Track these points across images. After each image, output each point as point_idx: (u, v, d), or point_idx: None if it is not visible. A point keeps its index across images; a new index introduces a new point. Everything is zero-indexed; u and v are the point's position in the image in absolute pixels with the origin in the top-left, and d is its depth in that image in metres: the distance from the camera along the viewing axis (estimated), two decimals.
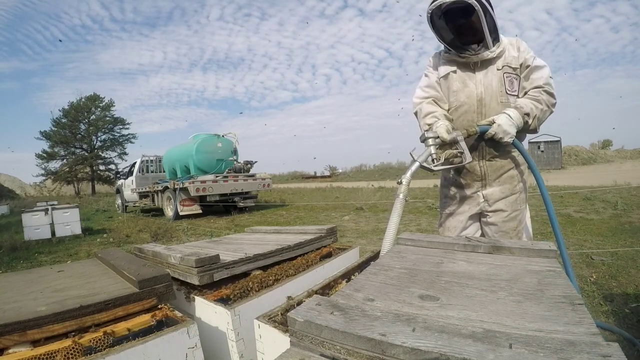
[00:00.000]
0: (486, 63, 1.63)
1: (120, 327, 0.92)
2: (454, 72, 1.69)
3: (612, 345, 0.49)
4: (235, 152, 10.72)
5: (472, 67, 1.66)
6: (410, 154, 1.51)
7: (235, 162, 10.33)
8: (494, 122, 1.54)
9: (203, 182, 9.03)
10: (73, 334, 0.87)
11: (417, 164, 1.46)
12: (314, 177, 38.71)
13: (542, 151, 30.53)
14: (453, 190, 1.82)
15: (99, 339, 0.86)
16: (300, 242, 1.64)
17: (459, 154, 1.55)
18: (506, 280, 0.83)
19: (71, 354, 0.81)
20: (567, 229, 5.10)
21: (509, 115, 1.54)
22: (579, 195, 8.33)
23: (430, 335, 0.54)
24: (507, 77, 1.62)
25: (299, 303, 0.88)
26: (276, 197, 14.24)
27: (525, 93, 1.63)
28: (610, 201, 7.29)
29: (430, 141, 1.52)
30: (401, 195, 1.35)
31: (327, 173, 41.25)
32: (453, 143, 1.55)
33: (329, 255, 1.68)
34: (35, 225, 6.63)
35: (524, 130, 1.62)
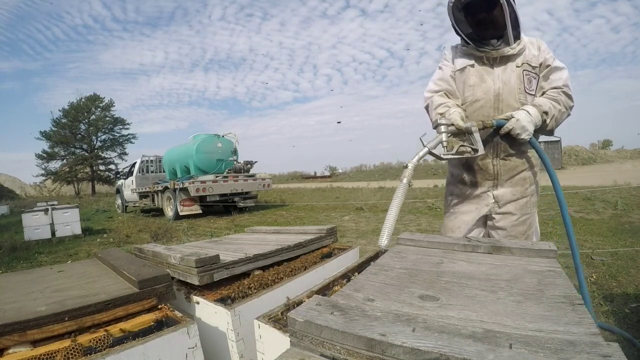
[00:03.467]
0: (505, 59, 1.59)
1: (120, 327, 0.92)
2: (472, 66, 1.65)
3: (612, 345, 0.49)
4: (235, 152, 10.73)
5: (491, 62, 1.62)
6: (420, 139, 1.43)
7: (235, 162, 10.34)
8: (512, 117, 1.50)
9: (203, 182, 9.03)
10: (73, 334, 0.87)
11: (425, 149, 1.37)
12: (314, 177, 38.71)
13: None
14: (461, 187, 1.76)
15: (99, 339, 0.86)
16: (300, 242, 1.63)
17: (471, 147, 1.47)
18: (506, 280, 0.83)
19: (71, 354, 0.80)
20: None
21: (528, 112, 1.49)
22: (579, 195, 8.33)
23: (430, 335, 0.54)
24: (525, 75, 1.58)
25: (299, 303, 0.88)
26: (276, 197, 14.23)
27: (543, 93, 1.60)
28: (610, 201, 7.29)
29: (443, 128, 1.43)
30: (405, 180, 1.26)
31: (327, 173, 41.26)
32: (466, 133, 1.48)
33: (329, 256, 1.68)
34: (35, 225, 6.64)
35: (540, 130, 1.58)
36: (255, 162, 10.74)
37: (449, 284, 0.83)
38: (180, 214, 9.15)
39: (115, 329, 0.91)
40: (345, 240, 5.09)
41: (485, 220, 1.75)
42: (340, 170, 41.33)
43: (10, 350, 0.80)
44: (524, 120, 1.47)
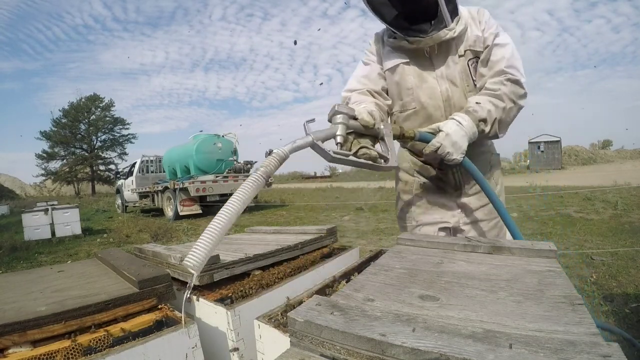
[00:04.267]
0: (445, 48, 1.26)
1: (120, 328, 0.92)
2: (406, 63, 1.30)
3: (612, 345, 0.49)
4: (235, 152, 10.75)
5: (428, 54, 1.27)
6: (304, 124, 0.99)
7: (235, 162, 10.36)
8: (440, 130, 1.14)
9: (203, 182, 9.07)
10: (73, 334, 0.87)
11: (309, 139, 0.92)
12: (314, 178, 38.73)
13: (542, 151, 30.51)
14: (421, 195, 1.48)
15: (99, 339, 0.86)
16: (301, 242, 1.63)
17: (378, 152, 1.08)
18: (506, 280, 0.83)
19: (71, 354, 0.81)
20: (567, 229, 5.11)
21: (459, 122, 1.14)
22: (579, 195, 8.34)
23: (430, 335, 0.54)
24: (472, 64, 1.27)
25: (299, 303, 0.88)
26: (276, 197, 14.24)
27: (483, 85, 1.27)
28: (610, 201, 7.30)
29: (340, 118, 1.02)
30: (260, 171, 0.81)
31: (327, 173, 41.28)
32: (376, 137, 1.11)
33: (329, 256, 1.68)
34: (35, 225, 6.65)
35: (479, 139, 1.24)
36: (256, 162, 10.76)
37: (449, 284, 0.83)
38: (180, 214, 9.17)
39: (115, 329, 0.91)
40: (345, 240, 5.09)
41: (452, 233, 1.50)
42: (340, 171, 41.32)
43: (10, 350, 0.80)
44: (455, 135, 1.12)
